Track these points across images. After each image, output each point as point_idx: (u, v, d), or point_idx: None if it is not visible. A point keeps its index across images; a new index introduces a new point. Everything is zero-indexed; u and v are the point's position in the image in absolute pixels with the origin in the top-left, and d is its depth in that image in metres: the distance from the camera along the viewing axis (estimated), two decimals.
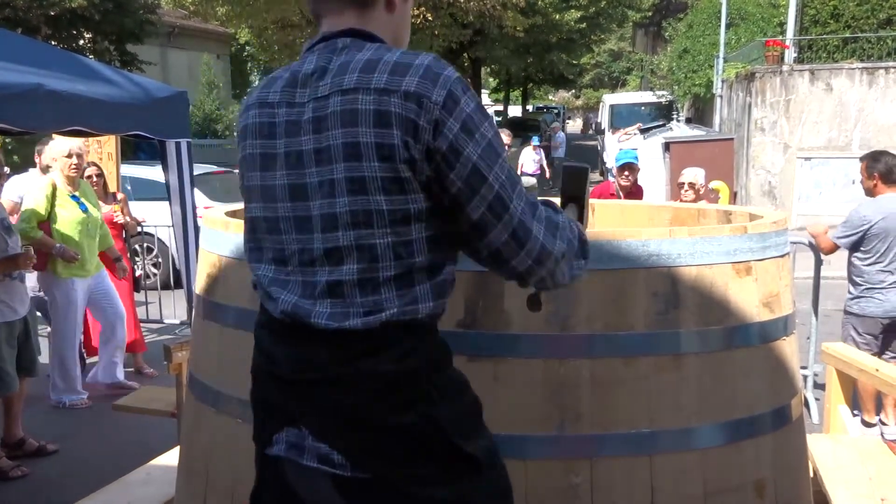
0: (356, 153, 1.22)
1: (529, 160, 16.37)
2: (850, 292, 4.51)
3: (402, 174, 1.22)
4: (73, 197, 4.78)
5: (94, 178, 5.42)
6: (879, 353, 4.41)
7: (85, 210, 4.82)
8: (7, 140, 10.94)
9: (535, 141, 17.54)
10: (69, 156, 4.69)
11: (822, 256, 4.77)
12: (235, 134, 1.36)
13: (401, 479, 1.28)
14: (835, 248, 4.44)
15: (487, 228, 1.27)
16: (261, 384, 1.42)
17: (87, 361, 5.66)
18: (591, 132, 40.89)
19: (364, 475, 1.28)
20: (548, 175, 17.04)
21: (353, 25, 1.33)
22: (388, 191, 1.23)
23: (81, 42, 17.79)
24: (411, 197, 1.24)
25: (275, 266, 1.35)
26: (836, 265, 5.09)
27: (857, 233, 4.32)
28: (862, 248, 4.35)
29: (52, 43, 15.81)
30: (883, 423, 4.43)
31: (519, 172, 16.04)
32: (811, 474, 2.41)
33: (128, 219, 5.61)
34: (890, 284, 4.31)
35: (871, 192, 4.42)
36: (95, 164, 5.58)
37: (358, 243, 1.25)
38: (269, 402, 1.39)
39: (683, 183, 5.17)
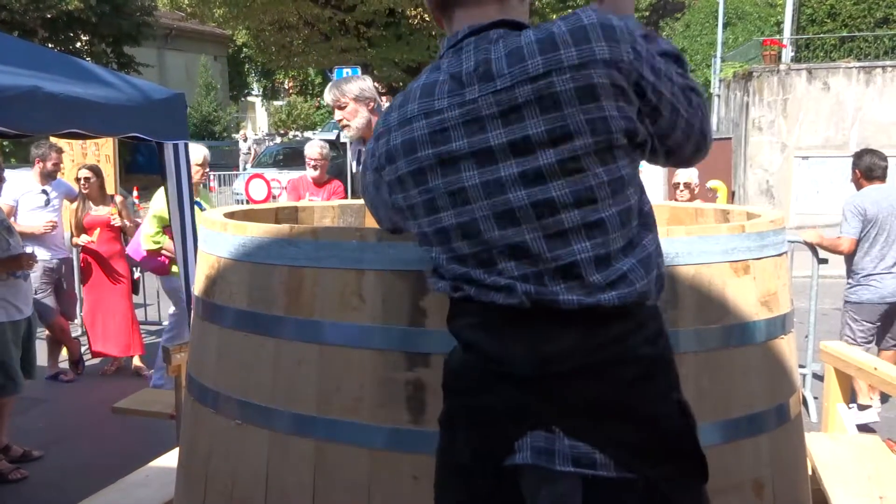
0: (565, 135, 1.20)
1: None
2: (848, 283, 4.63)
3: (618, 142, 1.22)
4: (197, 203, 4.80)
5: (90, 181, 5.42)
6: (878, 341, 4.49)
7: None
8: (4, 142, 10.94)
9: None
10: (202, 164, 4.87)
11: (822, 255, 4.83)
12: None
13: (663, 478, 1.21)
14: (854, 243, 4.51)
15: (676, 142, 1.32)
16: (480, 391, 1.29)
17: (87, 364, 5.67)
18: None
19: (629, 475, 1.20)
20: None
21: (496, 17, 1.31)
22: (604, 161, 1.22)
23: (78, 44, 17.80)
24: (622, 163, 1.24)
25: (482, 269, 1.28)
26: (833, 264, 5.10)
27: (862, 221, 4.46)
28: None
29: (49, 46, 15.81)
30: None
31: None
32: (810, 473, 2.41)
33: (126, 222, 5.59)
34: (883, 270, 4.44)
35: (857, 187, 4.68)
36: (90, 167, 5.56)
37: (585, 221, 1.21)
38: (500, 408, 1.27)
39: (679, 183, 5.18)
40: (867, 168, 4.59)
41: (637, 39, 1.24)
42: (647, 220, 1.30)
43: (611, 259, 1.22)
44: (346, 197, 4.94)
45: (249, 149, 20.62)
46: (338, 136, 22.05)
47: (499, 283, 1.26)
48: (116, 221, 5.49)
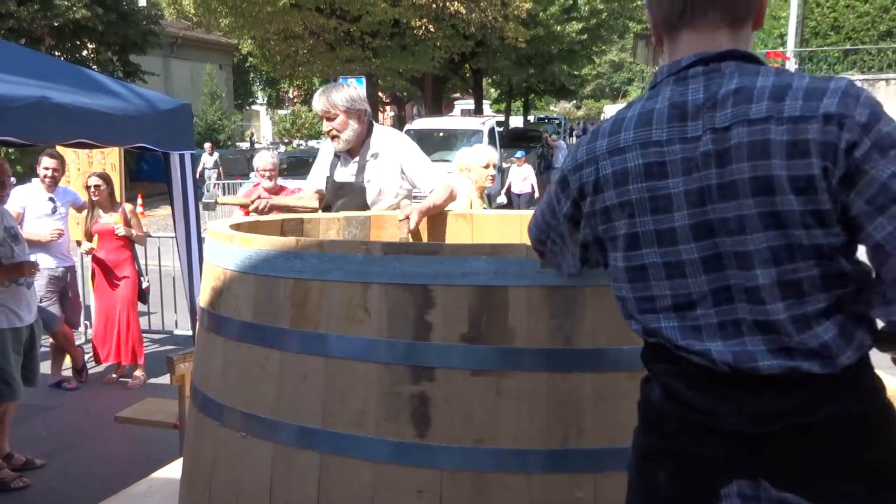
0: (768, 187, 1.14)
1: (517, 178, 14.80)
2: None
3: (822, 206, 1.14)
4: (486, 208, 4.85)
5: (100, 189, 5.44)
6: None
7: None
8: (10, 150, 10.99)
9: (520, 154, 15.73)
10: (486, 167, 4.94)
11: None
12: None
13: None
14: None
15: (874, 243, 1.16)
16: (687, 439, 1.28)
17: (90, 372, 5.68)
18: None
19: None
20: (537, 195, 15.06)
21: (726, 46, 1.24)
22: (807, 225, 1.14)
23: (85, 52, 17.89)
24: (832, 229, 1.15)
25: (676, 312, 1.25)
26: None
27: None
28: None
29: (56, 53, 15.91)
30: None
31: (505, 192, 14.97)
32: None
33: (132, 231, 5.57)
34: None
35: None
36: (100, 175, 5.59)
37: (781, 280, 1.17)
38: (707, 458, 1.26)
39: None
40: None
41: (884, 119, 1.15)
42: (857, 285, 1.21)
43: (811, 322, 1.18)
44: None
45: (215, 163, 18.37)
46: None
47: (689, 345, 1.23)
48: (120, 231, 5.49)
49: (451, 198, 3.24)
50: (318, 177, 3.49)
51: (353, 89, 3.33)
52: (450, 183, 3.27)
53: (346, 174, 3.34)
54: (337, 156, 3.38)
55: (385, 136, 3.38)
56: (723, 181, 1.18)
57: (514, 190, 14.77)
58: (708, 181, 1.19)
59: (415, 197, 3.35)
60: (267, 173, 5.36)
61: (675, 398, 1.28)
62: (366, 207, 3.25)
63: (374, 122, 3.38)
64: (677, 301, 1.25)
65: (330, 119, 3.23)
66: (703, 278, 1.22)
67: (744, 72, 1.21)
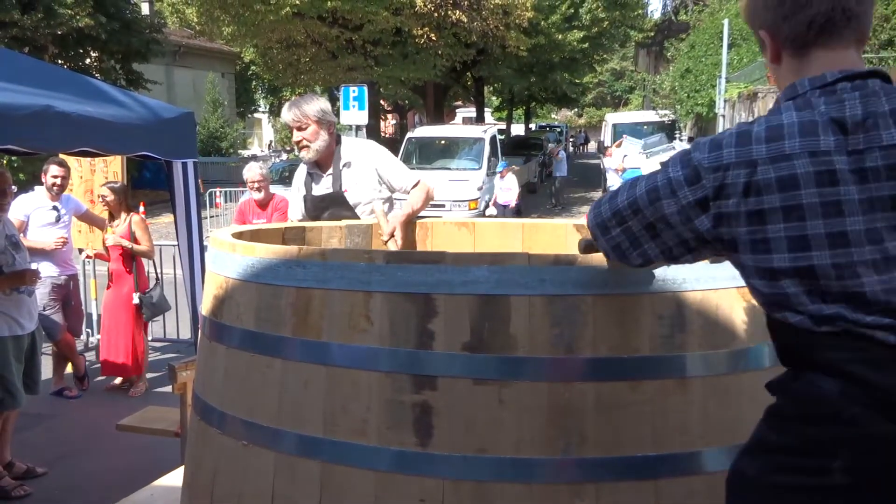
0: None
1: (501, 189, 14.56)
2: None
3: None
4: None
5: (107, 199, 5.45)
6: None
7: None
8: (13, 158, 11.01)
9: (502, 165, 15.53)
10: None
11: None
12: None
13: None
14: None
15: None
16: (868, 421, 1.35)
17: (92, 380, 5.68)
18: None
19: None
20: (515, 202, 14.95)
21: (857, 63, 1.38)
22: None
23: (88, 61, 17.96)
24: None
25: (858, 307, 1.34)
26: None
27: None
28: None
29: (59, 62, 15.97)
30: None
31: (493, 203, 14.87)
32: None
33: (130, 244, 5.46)
34: None
35: None
36: (107, 188, 5.59)
37: None
38: (891, 437, 1.33)
39: None
40: None
41: None
42: None
43: None
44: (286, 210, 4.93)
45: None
46: None
47: (881, 322, 1.32)
48: (110, 241, 5.45)
49: (430, 198, 3.26)
50: (298, 206, 3.47)
51: (323, 101, 3.36)
52: (426, 183, 3.28)
53: (322, 189, 3.35)
54: (310, 174, 3.39)
55: (354, 145, 3.42)
56: (893, 193, 1.31)
57: (500, 201, 14.61)
58: (879, 192, 1.31)
59: (397, 199, 3.36)
60: (256, 184, 5.40)
61: (858, 382, 1.33)
62: (354, 213, 3.26)
63: (340, 135, 3.42)
64: (850, 299, 1.33)
65: (301, 129, 3.24)
66: (875, 278, 1.32)
67: (891, 91, 1.34)
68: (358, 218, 3.23)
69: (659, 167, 1.54)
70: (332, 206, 3.29)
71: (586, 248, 1.72)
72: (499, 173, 14.92)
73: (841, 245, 1.33)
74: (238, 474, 1.96)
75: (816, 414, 1.37)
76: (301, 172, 3.48)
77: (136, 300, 5.49)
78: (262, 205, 5.48)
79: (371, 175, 3.30)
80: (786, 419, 1.41)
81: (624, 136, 18.45)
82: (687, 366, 1.76)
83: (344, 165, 3.31)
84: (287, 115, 3.29)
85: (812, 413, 1.37)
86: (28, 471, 4.11)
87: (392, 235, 2.94)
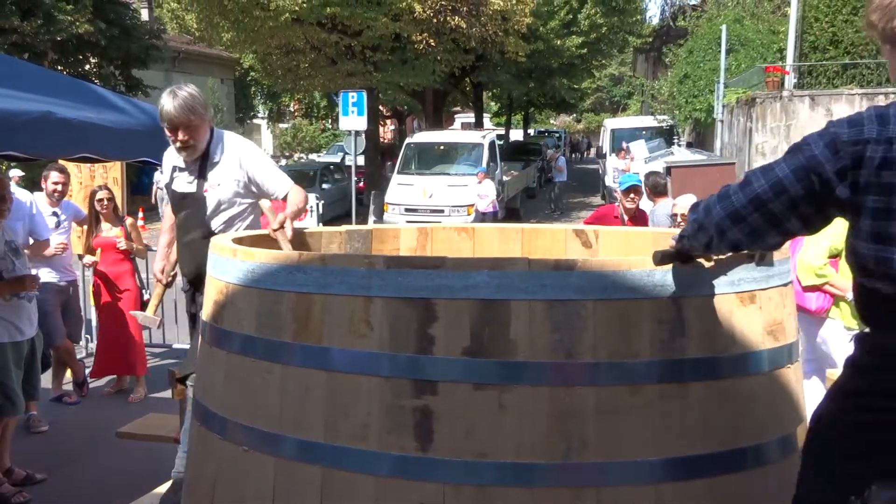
0: None
1: (477, 197, 14.25)
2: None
3: None
4: None
5: (105, 202, 5.47)
6: None
7: None
8: (13, 164, 11.01)
9: (480, 169, 15.14)
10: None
11: None
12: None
13: None
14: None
15: None
16: None
17: (91, 386, 5.67)
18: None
19: None
20: (490, 209, 14.76)
21: None
22: None
23: (87, 67, 17.98)
24: None
25: None
26: None
27: None
28: None
29: (58, 68, 15.98)
30: None
31: (473, 211, 14.67)
32: None
33: (133, 244, 5.60)
34: None
35: (651, 201, 5.85)
36: (107, 189, 5.62)
37: None
38: None
39: (676, 214, 5.06)
40: (654, 185, 5.85)
41: None
42: None
43: None
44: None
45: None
46: (343, 159, 22.16)
47: None
48: (122, 245, 5.51)
49: (306, 200, 3.17)
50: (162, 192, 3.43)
51: (199, 92, 3.13)
52: (300, 189, 3.17)
53: (184, 183, 3.20)
54: (177, 162, 3.22)
55: (228, 143, 3.20)
56: None
57: (479, 208, 14.47)
58: None
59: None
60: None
61: None
62: (205, 220, 3.12)
63: (214, 128, 3.22)
64: None
65: (189, 128, 3.02)
66: None
67: None
68: (208, 228, 3.08)
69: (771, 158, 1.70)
70: (190, 208, 3.16)
71: (663, 259, 1.74)
72: (477, 178, 14.64)
73: None
74: (239, 480, 1.96)
75: (888, 364, 1.51)
76: (171, 153, 3.27)
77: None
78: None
79: (238, 176, 3.13)
80: (861, 368, 1.56)
81: (639, 140, 18.44)
82: (686, 370, 1.76)
83: (211, 164, 3.14)
84: (175, 111, 3.00)
85: (884, 364, 1.51)
86: (27, 477, 4.10)
87: (282, 226, 2.81)
